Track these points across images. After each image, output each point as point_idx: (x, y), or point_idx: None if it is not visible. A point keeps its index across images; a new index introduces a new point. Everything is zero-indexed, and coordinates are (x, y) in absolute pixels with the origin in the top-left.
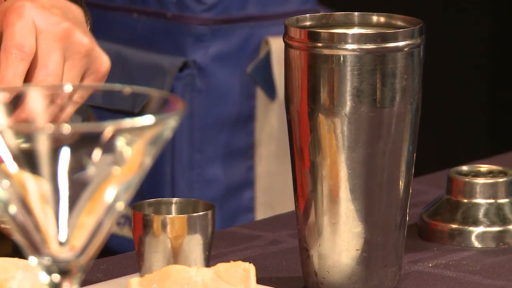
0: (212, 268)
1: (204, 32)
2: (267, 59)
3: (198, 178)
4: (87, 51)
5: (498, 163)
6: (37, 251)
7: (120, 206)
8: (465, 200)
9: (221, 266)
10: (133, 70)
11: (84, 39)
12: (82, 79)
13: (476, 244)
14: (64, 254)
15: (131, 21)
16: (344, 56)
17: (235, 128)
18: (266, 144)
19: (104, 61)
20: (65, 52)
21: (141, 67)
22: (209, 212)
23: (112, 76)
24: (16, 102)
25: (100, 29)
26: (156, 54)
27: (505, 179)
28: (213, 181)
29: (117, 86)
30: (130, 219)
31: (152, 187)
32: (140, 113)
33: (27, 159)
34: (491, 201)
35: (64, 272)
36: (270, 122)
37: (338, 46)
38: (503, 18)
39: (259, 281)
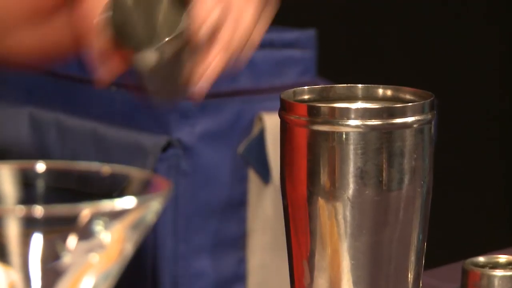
0: None
1: (190, 107)
2: (261, 137)
3: (184, 272)
4: None
5: None
6: None
7: None
8: None
9: None
10: (111, 150)
11: None
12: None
13: None
14: None
15: (108, 95)
16: (347, 133)
17: (225, 215)
18: (260, 233)
19: None
20: None
21: (120, 147)
22: None
23: (87, 157)
24: None
25: (74, 104)
26: (137, 132)
27: None
28: (201, 275)
29: (94, 166)
30: None
31: (132, 283)
32: (120, 195)
33: None
34: None
35: None
36: (264, 208)
37: (340, 122)
38: None
39: None
